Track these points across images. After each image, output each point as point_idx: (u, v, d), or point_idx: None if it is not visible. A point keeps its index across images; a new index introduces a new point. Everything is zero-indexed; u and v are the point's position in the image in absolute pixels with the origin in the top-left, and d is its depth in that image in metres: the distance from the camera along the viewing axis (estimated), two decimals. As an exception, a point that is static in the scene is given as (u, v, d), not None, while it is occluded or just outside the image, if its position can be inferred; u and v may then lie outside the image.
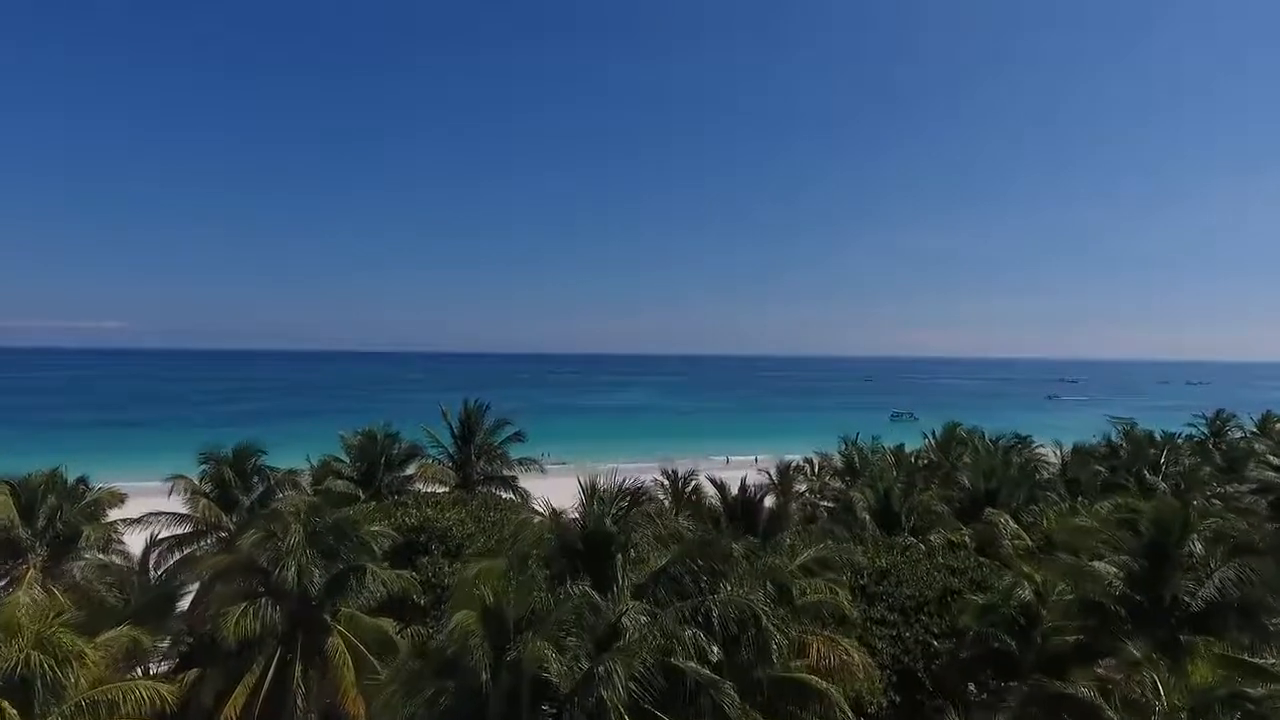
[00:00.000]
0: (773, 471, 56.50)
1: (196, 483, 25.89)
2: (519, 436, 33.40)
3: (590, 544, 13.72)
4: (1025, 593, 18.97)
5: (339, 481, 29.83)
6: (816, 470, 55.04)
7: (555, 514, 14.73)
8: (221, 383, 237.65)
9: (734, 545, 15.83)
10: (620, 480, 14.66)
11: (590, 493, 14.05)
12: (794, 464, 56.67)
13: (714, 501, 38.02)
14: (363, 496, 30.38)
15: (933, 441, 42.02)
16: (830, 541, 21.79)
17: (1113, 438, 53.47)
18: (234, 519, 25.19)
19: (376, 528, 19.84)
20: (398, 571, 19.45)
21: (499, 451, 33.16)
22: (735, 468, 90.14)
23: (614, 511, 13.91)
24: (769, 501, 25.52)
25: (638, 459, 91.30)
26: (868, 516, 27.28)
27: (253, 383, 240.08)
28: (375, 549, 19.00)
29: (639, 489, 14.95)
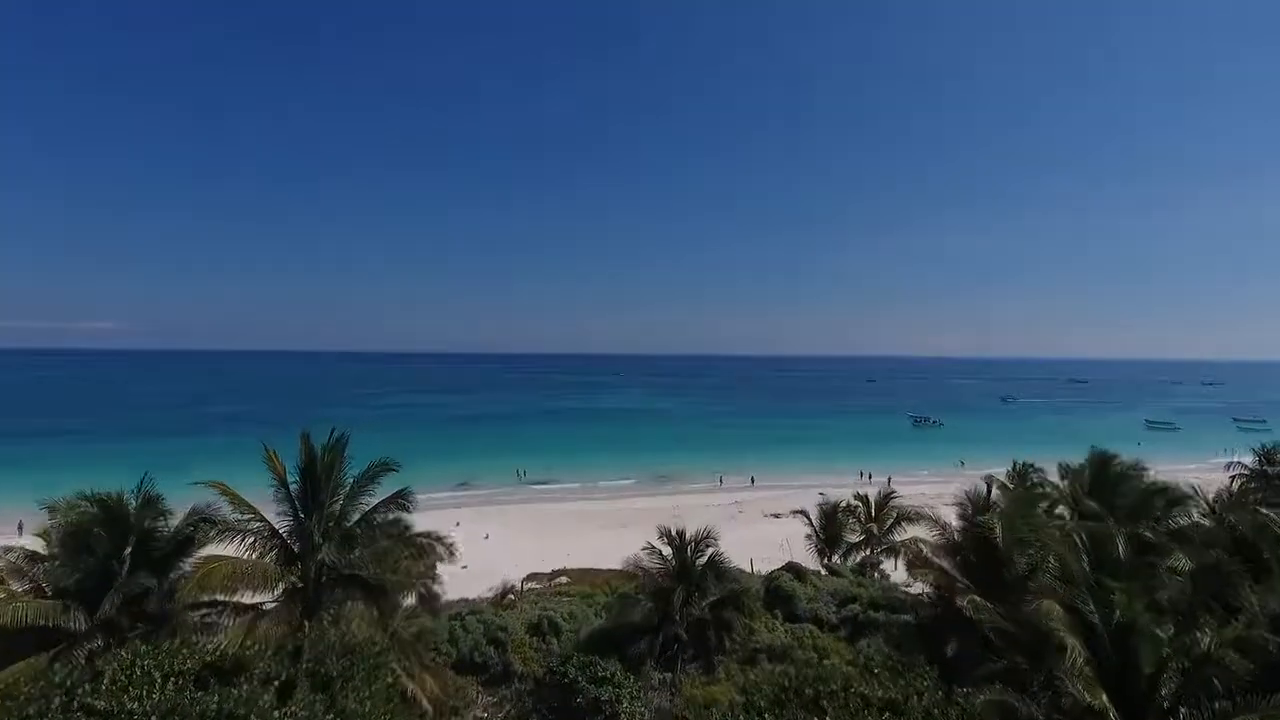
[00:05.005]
0: (812, 516, 41.61)
1: None
2: (404, 500, 18.08)
3: None
4: None
5: (19, 605, 14.93)
6: (874, 514, 39.74)
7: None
8: (197, 384, 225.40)
9: None
10: None
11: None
12: (843, 504, 41.43)
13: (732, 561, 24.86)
14: (82, 628, 15.65)
15: (1080, 489, 26.51)
16: None
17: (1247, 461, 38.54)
18: None
19: None
20: None
21: (368, 525, 18.05)
22: (730, 489, 74.37)
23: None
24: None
25: (626, 477, 78.29)
26: (1105, 700, 12.47)
27: (243, 385, 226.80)
28: None
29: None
